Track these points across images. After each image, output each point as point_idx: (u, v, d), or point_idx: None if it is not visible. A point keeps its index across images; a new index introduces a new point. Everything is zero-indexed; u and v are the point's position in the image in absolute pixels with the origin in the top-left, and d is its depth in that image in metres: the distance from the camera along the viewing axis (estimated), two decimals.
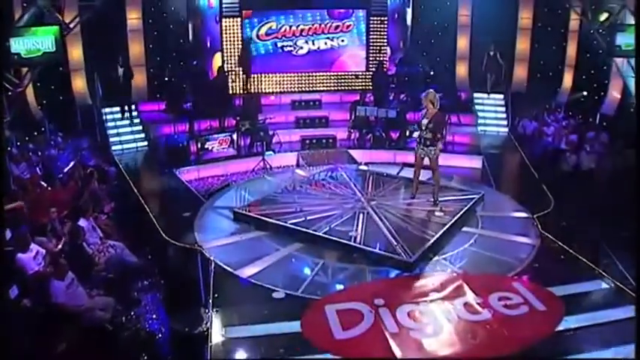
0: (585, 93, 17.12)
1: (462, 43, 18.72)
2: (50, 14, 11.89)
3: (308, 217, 9.68)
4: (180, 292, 8.28)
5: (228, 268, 8.40)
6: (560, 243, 9.28)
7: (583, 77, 17.58)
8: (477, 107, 17.45)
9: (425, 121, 10.43)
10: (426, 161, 10.63)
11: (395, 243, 8.69)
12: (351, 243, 8.79)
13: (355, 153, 14.83)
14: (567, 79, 17.97)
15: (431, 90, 10.70)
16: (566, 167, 13.80)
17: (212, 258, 8.56)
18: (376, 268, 8.46)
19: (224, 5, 16.69)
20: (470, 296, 7.65)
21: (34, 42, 11.09)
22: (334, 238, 8.94)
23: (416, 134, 14.62)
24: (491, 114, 17.30)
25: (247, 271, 8.31)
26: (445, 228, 9.32)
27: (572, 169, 13.70)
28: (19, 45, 11.09)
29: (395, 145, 15.16)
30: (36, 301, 7.92)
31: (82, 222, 9.60)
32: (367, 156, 14.77)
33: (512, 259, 8.86)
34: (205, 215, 10.61)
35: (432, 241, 8.85)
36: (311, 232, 9.15)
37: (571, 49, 17.79)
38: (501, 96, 17.39)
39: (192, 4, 17.33)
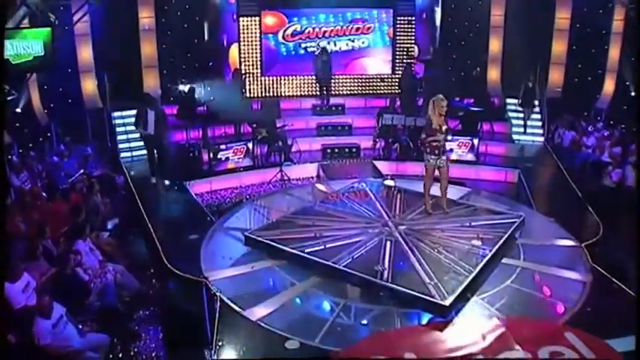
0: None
1: (495, 45, 17.62)
2: (43, 15, 10.95)
3: (327, 245, 8.60)
4: (180, 334, 7.32)
5: (236, 307, 7.35)
6: (616, 281, 8.10)
7: (626, 82, 16.36)
8: (511, 115, 16.31)
9: (445, 128, 9.71)
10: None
11: (428, 281, 7.57)
12: (377, 280, 7.67)
13: (380, 164, 13.76)
14: (608, 85, 16.76)
15: (440, 95, 9.79)
16: (610, 183, 12.67)
17: (218, 294, 7.52)
18: (406, 311, 7.37)
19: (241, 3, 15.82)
20: (516, 350, 6.53)
21: (24, 46, 10.15)
22: (357, 274, 7.83)
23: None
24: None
25: (257, 312, 7.24)
26: (484, 261, 8.19)
27: (616, 185, 12.56)
28: (7, 49, 10.13)
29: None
30: (21, 339, 7.03)
31: (79, 244, 8.71)
32: (393, 168, 13.77)
33: (561, 300, 7.73)
34: (214, 238, 9.56)
35: (470, 277, 7.72)
36: (331, 264, 8.04)
37: (613, 52, 16.58)
38: (536, 102, 16.22)
39: (208, 1, 16.39)
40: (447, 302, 7.11)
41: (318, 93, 16.57)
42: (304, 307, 7.64)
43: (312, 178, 13.59)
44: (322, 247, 8.54)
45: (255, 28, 16.10)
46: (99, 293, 8.15)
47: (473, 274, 7.78)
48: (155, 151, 12.20)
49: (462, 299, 7.47)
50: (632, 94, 16.29)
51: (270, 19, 16.30)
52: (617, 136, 14.54)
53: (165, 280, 8.64)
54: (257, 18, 16.04)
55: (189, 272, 8.26)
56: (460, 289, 7.42)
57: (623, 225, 10.27)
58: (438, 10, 17.74)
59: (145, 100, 12.28)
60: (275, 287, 7.95)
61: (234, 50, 16.47)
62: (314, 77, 16.37)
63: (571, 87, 17.09)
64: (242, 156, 13.36)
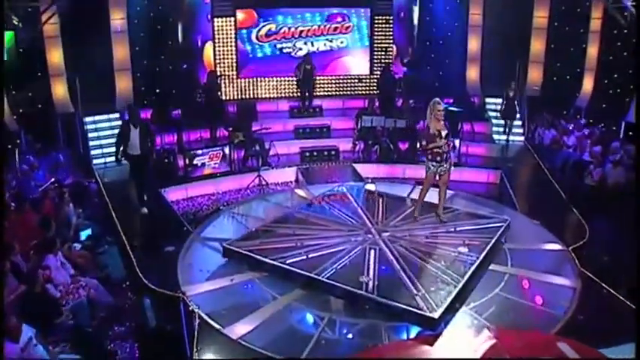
0: None
1: (474, 43, 17.41)
2: (7, 18, 10.48)
3: (310, 255, 8.28)
4: (158, 352, 6.97)
5: (216, 325, 6.99)
6: (606, 286, 7.92)
7: (605, 81, 16.26)
8: (491, 114, 16.16)
9: (444, 133, 9.33)
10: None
11: (415, 292, 7.29)
12: (363, 292, 7.36)
13: (360, 167, 13.47)
14: (587, 83, 16.62)
15: (437, 98, 9.50)
16: (591, 182, 12.57)
17: (197, 310, 7.16)
18: (393, 324, 7.08)
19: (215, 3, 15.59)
20: None
21: None
22: (342, 286, 7.51)
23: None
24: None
25: (238, 329, 6.90)
26: (472, 269, 7.93)
27: (597, 184, 12.46)
28: None
29: (404, 158, 13.85)
30: None
31: (49, 259, 8.29)
32: (373, 171, 13.45)
33: (552, 308, 7.53)
34: (192, 249, 9.16)
35: (459, 287, 7.45)
36: (314, 276, 7.71)
37: (592, 51, 16.45)
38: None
39: (182, 2, 15.96)
40: (436, 315, 6.84)
41: (296, 95, 16.27)
42: (287, 322, 7.28)
43: (291, 182, 13.28)
44: (304, 257, 8.23)
45: (230, 29, 15.77)
46: (71, 311, 7.75)
47: (461, 284, 7.52)
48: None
49: (451, 310, 7.20)
50: (610, 92, 16.20)
51: (241, 17, 15.96)
52: (598, 135, 14.45)
53: (141, 295, 8.24)
54: (232, 18, 15.70)
55: (166, 286, 7.90)
56: (449, 299, 7.15)
57: (607, 225, 10.16)
58: (416, 9, 17.53)
59: (129, 114, 11.08)
60: (256, 301, 7.58)
61: (208, 49, 16.07)
62: (296, 85, 16.12)
63: (550, 86, 16.96)
64: (218, 161, 12.99)
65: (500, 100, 15.79)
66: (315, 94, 16.35)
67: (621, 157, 12.71)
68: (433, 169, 9.45)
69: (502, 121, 15.68)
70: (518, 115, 15.50)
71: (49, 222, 9.18)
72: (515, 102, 15.22)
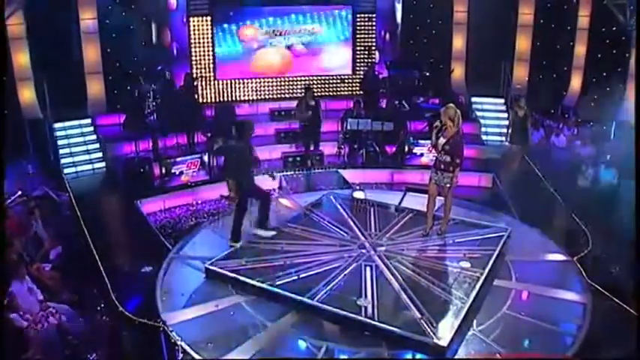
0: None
1: (458, 42, 16.91)
2: None
3: (301, 275, 7.65)
4: None
5: None
6: (619, 301, 7.41)
7: (594, 80, 15.87)
8: (478, 114, 15.65)
9: (442, 141, 8.84)
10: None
11: (419, 315, 6.71)
12: (361, 318, 6.75)
13: (346, 173, 12.89)
14: (575, 82, 16.23)
15: (451, 105, 9.00)
16: (585, 183, 12.20)
17: (180, 342, 6.48)
18: (397, 352, 6.48)
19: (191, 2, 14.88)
20: None
21: None
22: (338, 311, 6.88)
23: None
24: (492, 121, 15.46)
25: None
26: (478, 286, 7.37)
27: (591, 185, 12.10)
28: None
29: (392, 162, 13.28)
30: None
31: (14, 285, 7.55)
32: (360, 176, 12.93)
33: (563, 326, 7.03)
34: (171, 270, 8.45)
35: (465, 308, 6.88)
36: (307, 300, 7.08)
37: (579, 49, 16.06)
38: (502, 100, 15.65)
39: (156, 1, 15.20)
40: (444, 342, 6.26)
41: (276, 97, 15.53)
42: (281, 354, 6.61)
43: (274, 190, 12.58)
44: (295, 277, 7.62)
45: (207, 29, 15.05)
46: (40, 344, 7.01)
47: (468, 304, 6.95)
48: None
49: (459, 334, 6.62)
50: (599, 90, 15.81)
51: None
52: (588, 135, 14.07)
53: (117, 322, 7.52)
54: (209, 17, 14.98)
55: (144, 314, 7.20)
56: (457, 323, 6.58)
57: (607, 230, 9.70)
58: (399, 7, 16.98)
59: (241, 129, 8.97)
60: (245, 330, 6.91)
61: None
62: (299, 127, 14.27)
63: (536, 84, 16.56)
64: (197, 169, 12.30)
65: (486, 100, 15.38)
66: (291, 91, 15.29)
67: (612, 157, 12.39)
68: (432, 177, 9.06)
69: (493, 122, 15.10)
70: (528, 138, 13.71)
71: (10, 243, 8.41)
72: (528, 124, 13.32)
